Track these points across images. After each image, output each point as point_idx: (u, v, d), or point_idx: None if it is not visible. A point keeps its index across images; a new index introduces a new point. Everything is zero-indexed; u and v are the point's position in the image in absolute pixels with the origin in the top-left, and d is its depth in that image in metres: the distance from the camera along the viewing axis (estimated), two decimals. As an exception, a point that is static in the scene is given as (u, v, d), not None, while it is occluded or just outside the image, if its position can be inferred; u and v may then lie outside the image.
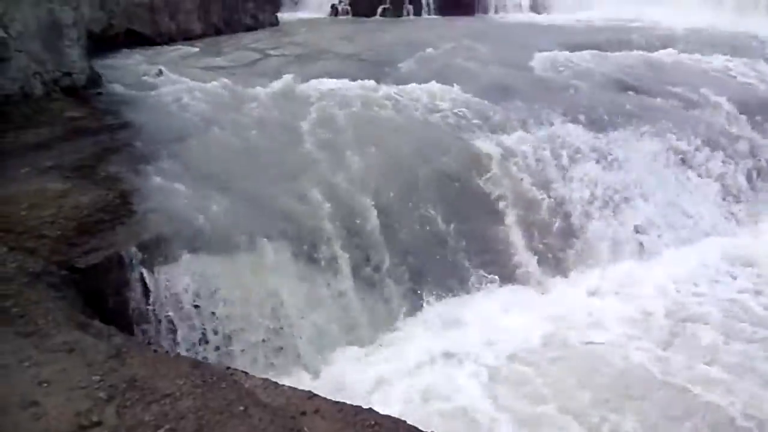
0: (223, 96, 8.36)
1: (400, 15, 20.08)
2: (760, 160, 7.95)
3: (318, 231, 5.71)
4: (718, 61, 11.31)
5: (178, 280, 4.90)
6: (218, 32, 15.57)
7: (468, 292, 6.04)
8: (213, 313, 4.93)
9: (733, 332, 5.41)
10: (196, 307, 4.90)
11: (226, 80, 8.90)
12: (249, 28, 16.50)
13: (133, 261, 4.79)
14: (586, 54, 11.18)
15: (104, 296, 4.64)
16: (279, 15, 18.73)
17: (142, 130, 7.13)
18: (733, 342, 5.29)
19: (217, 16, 15.80)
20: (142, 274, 4.79)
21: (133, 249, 4.84)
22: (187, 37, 14.39)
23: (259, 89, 8.55)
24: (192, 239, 5.16)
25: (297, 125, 7.49)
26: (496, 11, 20.52)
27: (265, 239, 5.42)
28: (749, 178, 7.67)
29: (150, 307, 4.74)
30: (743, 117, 8.91)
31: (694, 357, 5.11)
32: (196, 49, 12.92)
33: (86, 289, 4.50)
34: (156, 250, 4.95)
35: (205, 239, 5.21)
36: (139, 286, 4.77)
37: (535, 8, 20.40)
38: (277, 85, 8.72)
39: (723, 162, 7.70)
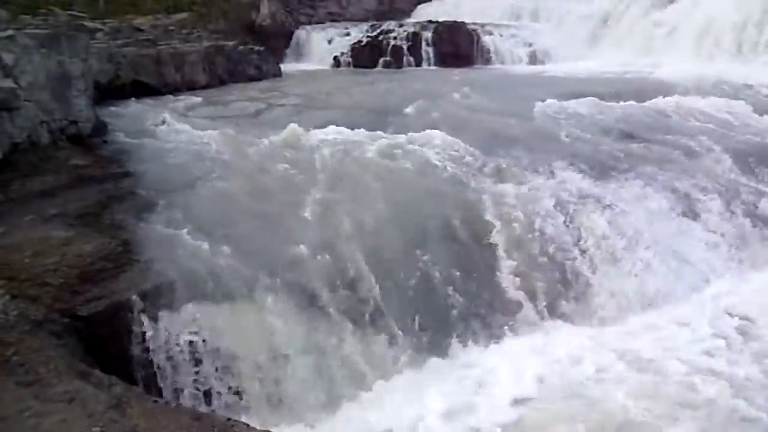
0: (227, 145, 8.46)
1: (400, 66, 20.40)
2: (760, 208, 7.95)
3: (319, 281, 5.71)
4: (716, 108, 11.43)
5: (179, 330, 4.90)
6: (222, 83, 15.86)
7: (467, 343, 5.98)
8: (214, 363, 4.91)
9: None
10: (197, 356, 4.88)
11: (229, 129, 9.03)
12: (252, 79, 16.80)
13: (135, 309, 4.80)
14: (585, 103, 11.31)
15: (106, 344, 4.63)
16: (282, 66, 19.04)
17: (145, 179, 7.21)
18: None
19: (221, 68, 16.11)
20: (143, 322, 4.79)
21: (135, 297, 4.85)
22: (192, 88, 14.66)
23: (262, 138, 8.67)
24: (194, 288, 5.17)
25: (299, 174, 7.57)
26: (495, 62, 20.85)
27: (267, 289, 5.42)
28: (752, 227, 7.66)
29: (151, 356, 4.72)
30: (743, 165, 8.98)
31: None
32: (201, 99, 13.10)
33: (88, 337, 4.50)
34: (158, 299, 4.96)
35: (206, 288, 5.22)
36: (140, 334, 4.76)
37: (533, 59, 20.72)
38: (279, 134, 8.83)
39: (725, 210, 7.71)
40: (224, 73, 16.16)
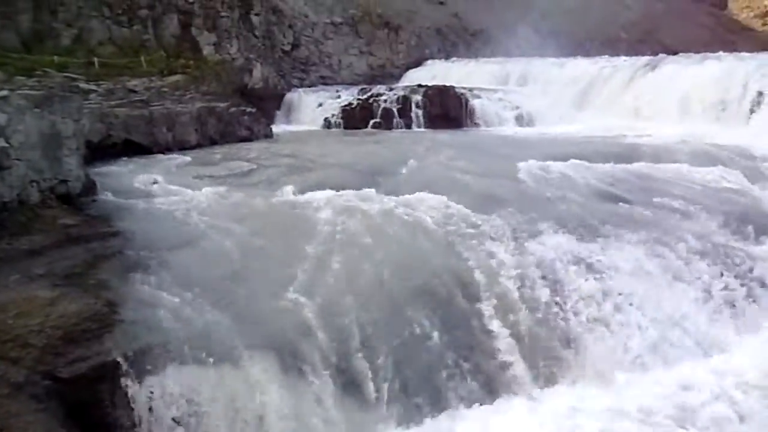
0: (216, 205, 8.48)
1: (390, 128, 20.67)
2: (750, 270, 7.98)
3: (306, 343, 5.65)
4: (701, 171, 11.60)
5: (163, 392, 4.80)
6: (214, 143, 16.03)
7: (457, 406, 5.88)
8: (199, 427, 4.79)
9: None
10: (180, 421, 4.76)
11: (219, 189, 9.06)
12: (243, 140, 16.98)
13: (118, 372, 4.70)
14: (571, 165, 11.46)
15: (88, 408, 4.52)
16: (273, 127, 19.25)
17: (133, 239, 7.18)
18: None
19: (213, 128, 16.30)
20: (126, 385, 4.69)
21: (119, 359, 4.77)
22: (183, 147, 14.79)
23: (252, 199, 8.69)
24: (178, 350, 5.09)
25: (288, 236, 7.57)
26: (484, 125, 21.17)
27: (252, 352, 5.35)
28: (742, 289, 7.67)
29: (134, 420, 4.61)
30: (730, 227, 9.06)
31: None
32: (192, 159, 13.20)
33: (69, 401, 4.39)
34: (142, 361, 4.87)
35: (191, 351, 5.14)
36: (123, 397, 4.65)
37: (520, 122, 21.07)
38: (269, 195, 8.88)
39: (714, 273, 7.73)
40: (215, 133, 16.34)
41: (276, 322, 5.79)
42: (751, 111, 16.68)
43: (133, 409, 4.66)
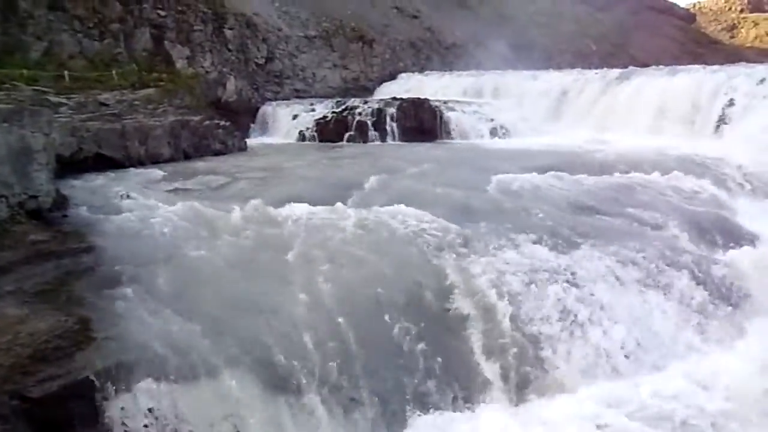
0: (190, 219, 8.37)
1: (365, 141, 20.68)
2: (719, 278, 8.07)
3: (283, 356, 5.58)
4: (674, 182, 11.77)
5: (137, 409, 4.70)
6: (187, 157, 15.91)
7: (433, 413, 5.86)
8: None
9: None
10: (154, 438, 4.67)
11: (193, 203, 8.95)
12: (218, 153, 16.89)
13: (91, 390, 4.60)
14: (546, 176, 11.55)
15: (58, 427, 4.40)
16: (248, 140, 19.17)
17: (106, 254, 7.06)
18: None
19: (186, 142, 16.18)
20: (99, 403, 4.59)
21: (92, 377, 4.66)
22: (156, 161, 14.66)
23: (226, 213, 8.60)
24: (152, 367, 5.01)
25: (264, 249, 7.51)
26: (458, 137, 21.26)
27: (229, 365, 5.28)
28: (714, 297, 7.76)
29: (105, 440, 4.51)
30: (703, 237, 9.22)
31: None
32: (165, 173, 13.08)
33: (39, 420, 4.28)
34: (115, 378, 4.78)
35: (166, 367, 5.05)
36: (95, 416, 4.55)
37: (495, 134, 21.22)
38: (244, 208, 8.78)
39: (686, 282, 7.82)
40: (189, 147, 16.22)
41: (252, 335, 5.72)
42: (720, 122, 17.00)
43: (105, 427, 4.55)
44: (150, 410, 4.76)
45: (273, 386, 5.37)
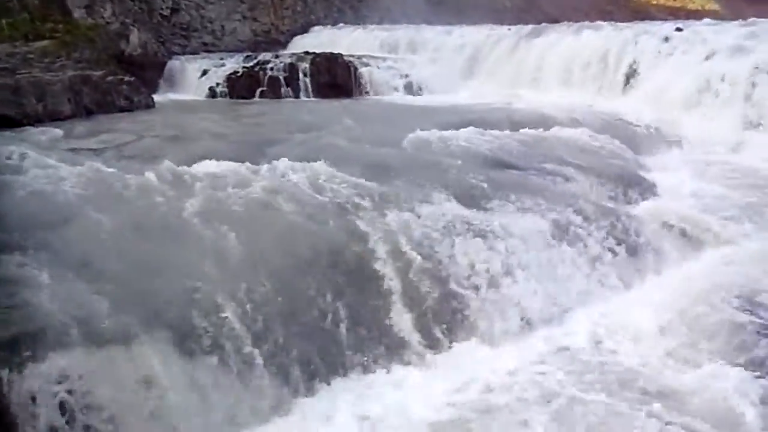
0: (94, 180, 7.97)
1: (278, 97, 20.29)
2: (631, 230, 8.43)
3: (197, 319, 5.44)
4: (584, 137, 12.14)
5: (43, 382, 4.48)
6: (90, 114, 15.16)
7: (353, 373, 5.90)
8: (88, 419, 4.51)
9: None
10: (68, 413, 4.46)
11: (97, 163, 8.53)
12: (123, 110, 16.16)
13: (-10, 363, 4.35)
14: (461, 133, 11.62)
15: (-46, 406, 4.15)
16: (155, 97, 18.46)
17: (3, 218, 6.64)
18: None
19: (88, 98, 15.39)
20: (2, 377, 4.34)
21: (-10, 350, 4.41)
22: (56, 119, 13.91)
23: (132, 173, 8.24)
24: (61, 336, 4.77)
25: (173, 210, 7.24)
26: (373, 93, 21.15)
27: (142, 331, 5.10)
28: (621, 247, 8.10)
29: (12, 417, 4.27)
30: (613, 191, 9.59)
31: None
32: (65, 131, 12.41)
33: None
34: (18, 350, 4.53)
35: (74, 335, 4.82)
36: (-2, 391, 4.31)
37: (410, 90, 21.22)
38: (152, 167, 8.44)
39: (596, 232, 8.12)
40: (92, 103, 15.44)
41: (164, 298, 5.54)
42: (627, 80, 17.58)
43: (11, 402, 4.32)
44: (59, 382, 4.55)
45: (190, 350, 5.23)
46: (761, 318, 6.35)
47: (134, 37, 21.41)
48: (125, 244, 6.42)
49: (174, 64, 22.58)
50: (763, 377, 5.56)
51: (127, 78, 17.16)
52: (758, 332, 6.11)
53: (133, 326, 5.10)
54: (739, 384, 5.48)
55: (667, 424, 5.09)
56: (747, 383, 5.49)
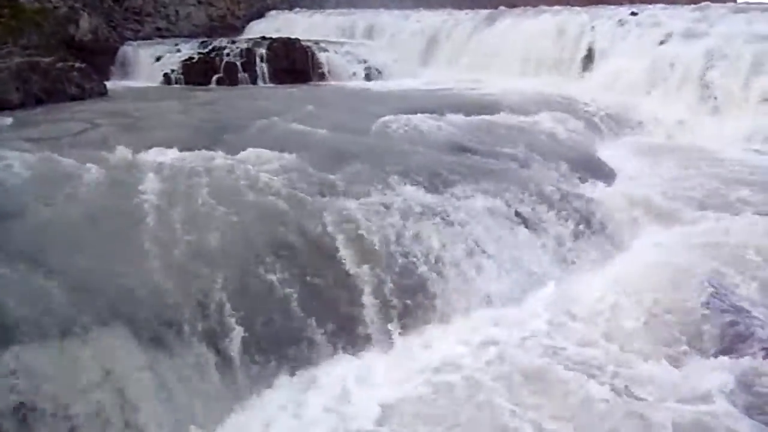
0: (45, 169, 7.75)
1: (235, 83, 20.03)
2: (587, 213, 8.53)
3: (158, 310, 5.33)
4: (542, 121, 12.27)
5: (-3, 377, 4.34)
6: (40, 102, 14.70)
7: (318, 361, 5.86)
8: (39, 414, 4.38)
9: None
10: (24, 407, 4.33)
11: (48, 152, 8.29)
12: (75, 98, 15.71)
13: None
14: (420, 118, 11.63)
15: None
16: (108, 84, 18.04)
17: (-51, 211, 6.41)
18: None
19: (37, 86, 14.91)
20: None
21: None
22: (3, 108, 13.46)
23: (84, 162, 8.01)
24: (14, 331, 4.62)
25: (127, 199, 7.06)
26: (332, 79, 21.02)
27: (100, 324, 4.96)
28: (579, 230, 8.20)
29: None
30: (570, 173, 9.73)
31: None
32: (14, 120, 12.03)
33: None
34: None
35: (29, 330, 4.67)
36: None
37: (368, 76, 21.14)
38: (104, 156, 8.24)
39: (555, 215, 8.21)
40: (41, 91, 14.97)
41: (121, 290, 5.40)
42: (585, 64, 17.81)
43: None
44: (14, 376, 4.40)
45: (149, 343, 5.11)
46: (718, 298, 6.48)
47: (84, 21, 20.82)
48: (79, 236, 6.24)
49: (127, 50, 22.10)
50: (727, 357, 5.67)
51: (77, 65, 16.68)
52: (717, 313, 6.23)
53: (89, 320, 4.96)
54: (698, 366, 5.64)
55: (620, 404, 5.17)
56: (707, 364, 5.63)
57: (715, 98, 14.39)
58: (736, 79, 14.24)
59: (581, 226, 8.28)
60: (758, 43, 14.63)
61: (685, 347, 5.94)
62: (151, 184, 7.46)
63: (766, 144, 12.91)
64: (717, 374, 5.40)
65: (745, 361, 5.55)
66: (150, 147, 8.85)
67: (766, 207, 8.92)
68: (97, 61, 19.56)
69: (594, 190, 9.34)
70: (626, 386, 5.42)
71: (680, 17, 17.78)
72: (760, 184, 10.04)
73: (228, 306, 5.68)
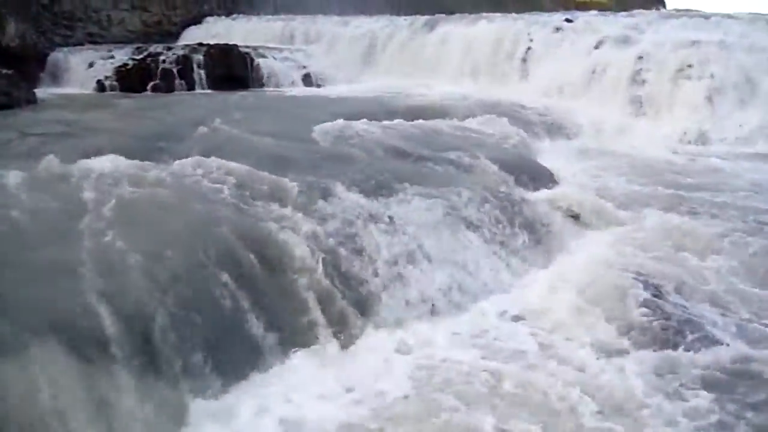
0: (-31, 182, 7.40)
1: (171, 90, 19.70)
2: (527, 216, 8.65)
3: (95, 327, 5.11)
4: (484, 126, 12.43)
5: None
6: (-37, 111, 14.09)
7: (266, 370, 5.72)
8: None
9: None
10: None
11: (-28, 164, 7.94)
12: (2, 107, 15.12)
13: None
14: (361, 123, 11.62)
15: None
16: (37, 92, 17.47)
17: None
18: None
19: (-40, 94, 14.31)
20: None
21: None
22: (-76, 117, 12.84)
23: (11, 172, 7.68)
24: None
25: (59, 211, 6.80)
26: (270, 85, 20.85)
27: (33, 341, 4.73)
28: (521, 232, 8.31)
29: None
30: (511, 177, 9.81)
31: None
32: (-64, 130, 11.48)
33: None
34: None
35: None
36: None
37: (308, 82, 21.05)
38: (34, 166, 7.91)
39: (496, 219, 8.29)
40: (-35, 100, 14.38)
41: (55, 305, 5.16)
42: (523, 69, 18.16)
43: None
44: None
45: (83, 356, 4.90)
46: (656, 296, 6.73)
47: (10, 27, 20.07)
48: (7, 248, 5.96)
49: (57, 56, 21.44)
50: (657, 351, 5.88)
51: (4, 71, 16.09)
52: (654, 309, 6.45)
53: (20, 334, 4.74)
54: (633, 359, 5.81)
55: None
56: (640, 358, 5.80)
57: (647, 102, 14.87)
58: (663, 85, 14.76)
59: (523, 230, 8.39)
60: (684, 49, 15.20)
61: (614, 338, 6.15)
62: (83, 195, 7.19)
63: (694, 146, 13.49)
64: (638, 364, 5.68)
65: (669, 351, 5.83)
66: (83, 156, 8.54)
67: (695, 205, 9.33)
68: (26, 68, 18.91)
69: (534, 193, 9.51)
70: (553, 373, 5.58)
71: (613, 24, 18.35)
72: (686, 186, 10.65)
73: (166, 316, 5.49)
